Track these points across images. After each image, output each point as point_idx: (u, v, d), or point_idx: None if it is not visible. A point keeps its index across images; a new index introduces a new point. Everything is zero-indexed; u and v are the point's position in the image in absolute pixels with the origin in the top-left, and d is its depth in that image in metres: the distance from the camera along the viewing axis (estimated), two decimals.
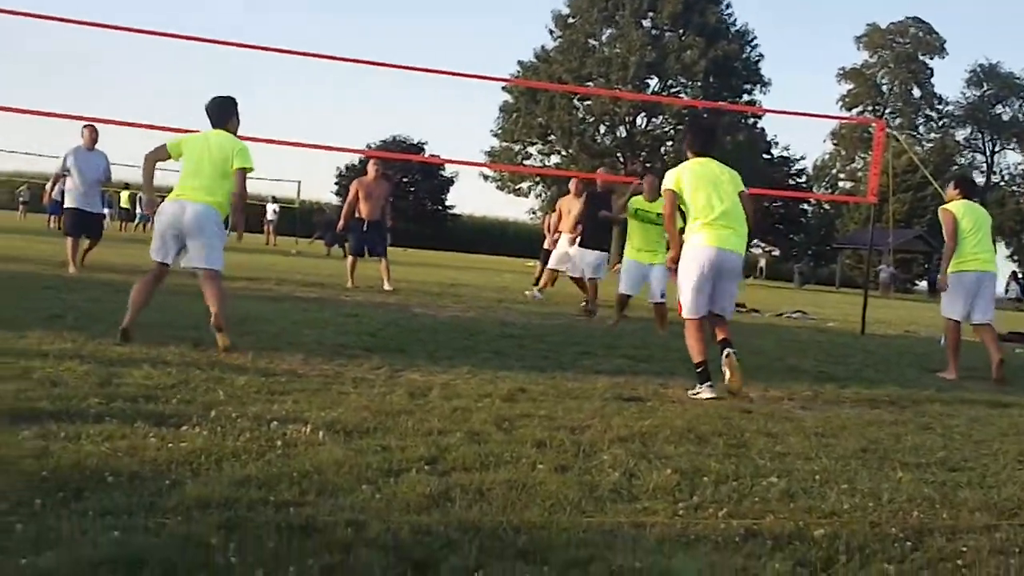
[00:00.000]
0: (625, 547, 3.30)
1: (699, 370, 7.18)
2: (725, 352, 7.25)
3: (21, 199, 46.96)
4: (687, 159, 7.71)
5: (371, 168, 16.34)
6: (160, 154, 7.64)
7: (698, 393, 7.02)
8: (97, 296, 9.83)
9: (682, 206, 7.59)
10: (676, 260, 7.58)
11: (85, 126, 13.86)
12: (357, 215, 15.87)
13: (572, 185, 16.92)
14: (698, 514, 3.81)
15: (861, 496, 4.30)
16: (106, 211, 23.50)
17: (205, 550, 2.93)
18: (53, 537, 2.94)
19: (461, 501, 3.65)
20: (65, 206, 14.15)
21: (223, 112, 7.71)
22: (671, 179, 7.58)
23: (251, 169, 7.63)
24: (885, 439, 5.83)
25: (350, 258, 16.10)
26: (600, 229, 14.04)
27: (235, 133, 7.73)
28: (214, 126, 7.66)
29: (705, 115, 52.38)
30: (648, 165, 61.18)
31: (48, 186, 15.36)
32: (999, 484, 4.80)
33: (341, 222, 16.67)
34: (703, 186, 7.45)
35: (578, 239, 14.58)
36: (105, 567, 2.74)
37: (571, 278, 15.21)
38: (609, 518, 3.63)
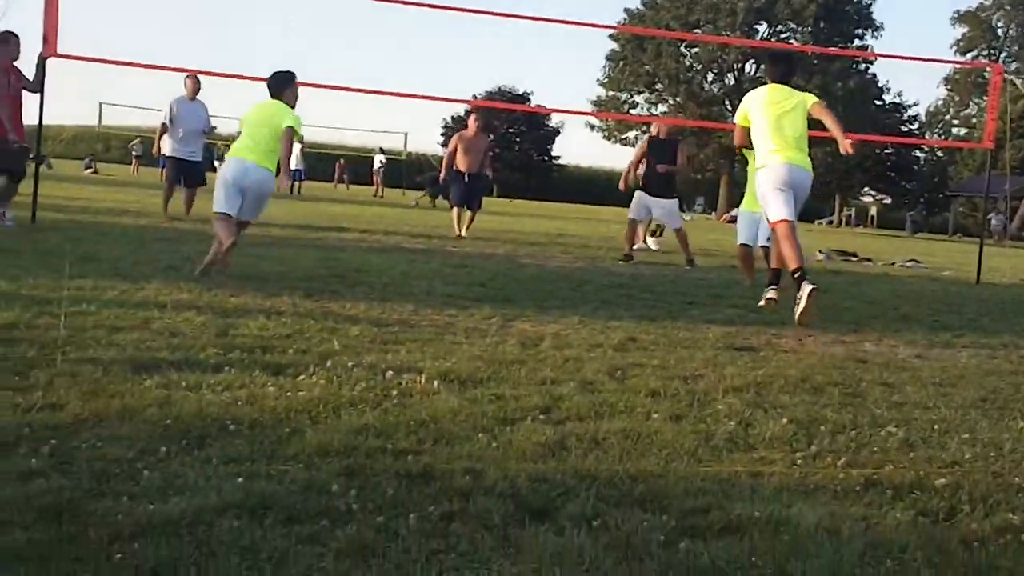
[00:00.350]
0: (743, 496, 3.27)
1: (796, 276, 7.44)
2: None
3: (134, 153, 48.00)
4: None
5: (471, 122, 16.55)
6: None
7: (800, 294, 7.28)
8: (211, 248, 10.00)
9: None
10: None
11: (187, 76, 14.29)
12: (456, 168, 16.12)
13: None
14: (816, 464, 3.76)
15: (982, 446, 4.20)
16: (215, 164, 23.96)
17: (326, 496, 2.97)
18: (179, 484, 3.00)
19: (577, 450, 3.65)
20: (166, 155, 14.72)
21: (280, 84, 8.61)
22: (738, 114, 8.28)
23: (299, 135, 8.72)
24: (1005, 388, 5.69)
25: (455, 209, 16.27)
26: (664, 177, 13.65)
27: (292, 104, 8.58)
28: (273, 97, 8.55)
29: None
30: None
31: (156, 139, 15.59)
32: None
33: (442, 172, 17.09)
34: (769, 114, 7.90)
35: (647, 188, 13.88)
36: (230, 513, 2.79)
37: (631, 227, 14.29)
38: (726, 467, 3.60)
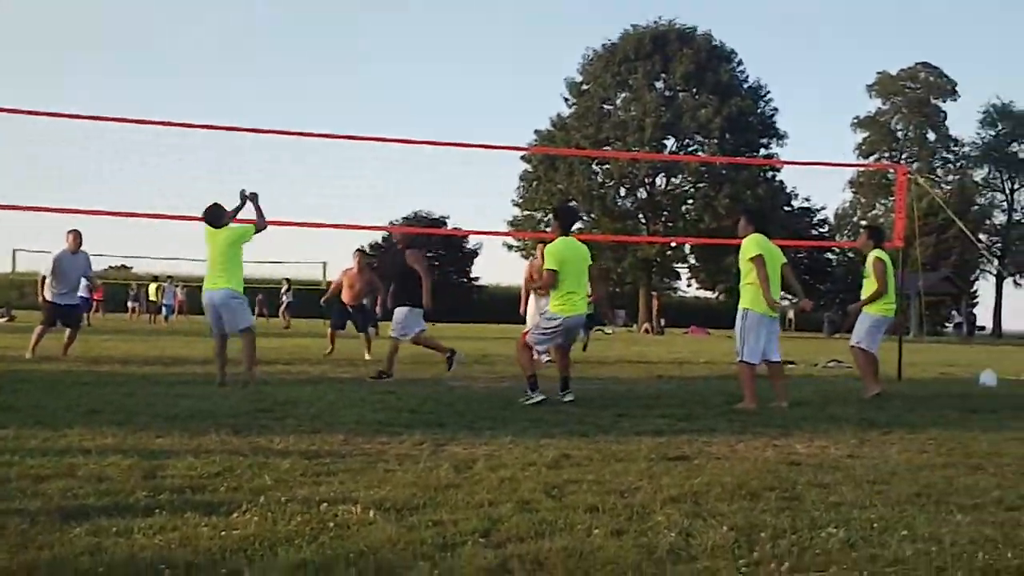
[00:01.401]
0: None
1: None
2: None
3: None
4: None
5: (354, 260, 18.41)
6: None
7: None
8: (132, 390, 9.85)
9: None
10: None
11: (69, 232, 15.35)
12: (340, 298, 18.26)
13: (539, 248, 17.35)
14: (760, 570, 3.75)
15: (923, 541, 4.23)
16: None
17: None
18: None
19: (520, 572, 3.61)
20: (46, 299, 15.40)
21: (215, 217, 10.90)
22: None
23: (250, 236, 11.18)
24: (938, 482, 5.76)
25: (329, 330, 18.49)
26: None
27: (232, 221, 11.02)
28: (216, 227, 10.82)
29: (726, 170, 52.22)
30: (671, 224, 61.32)
31: (39, 287, 15.86)
32: None
33: (325, 296, 19.28)
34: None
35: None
36: None
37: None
38: None
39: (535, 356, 10.65)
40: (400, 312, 13.26)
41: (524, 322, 18.09)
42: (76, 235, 15.39)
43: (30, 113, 13.34)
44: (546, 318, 10.34)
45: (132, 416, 7.76)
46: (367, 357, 17.07)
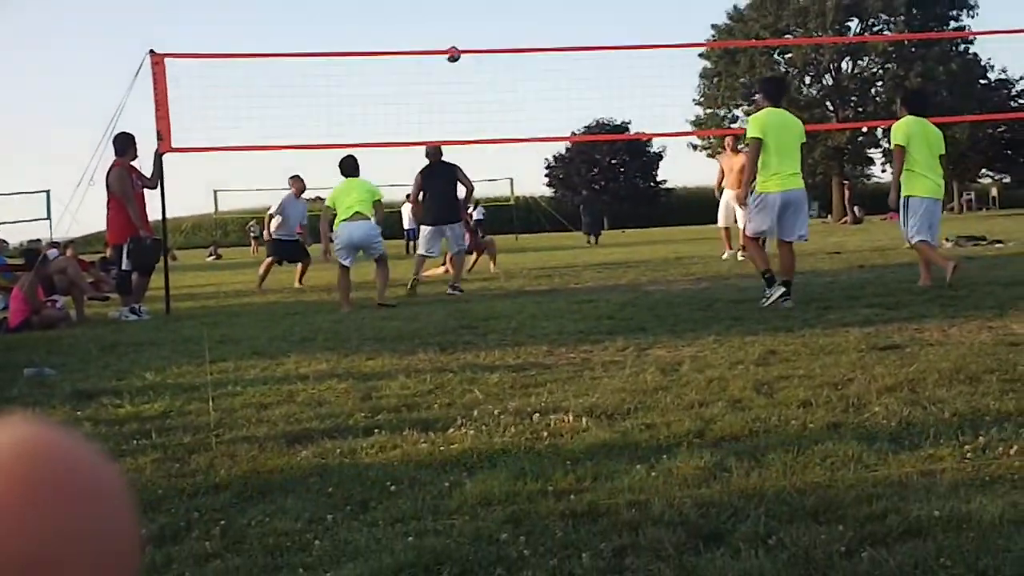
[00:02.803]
0: (918, 496, 3.18)
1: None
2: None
3: (252, 234, 49.01)
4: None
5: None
6: (328, 214, 12.10)
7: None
8: (340, 316, 10.16)
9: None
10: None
11: (291, 177, 16.42)
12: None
13: (728, 142, 17.73)
14: (987, 455, 3.64)
15: None
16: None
17: (496, 546, 2.97)
18: (350, 550, 3.03)
19: (738, 470, 3.58)
20: (271, 236, 16.37)
21: (354, 168, 11.87)
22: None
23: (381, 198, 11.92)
24: None
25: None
26: (446, 203, 13.18)
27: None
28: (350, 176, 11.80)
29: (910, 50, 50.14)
30: (860, 110, 59.28)
31: (266, 223, 16.91)
32: None
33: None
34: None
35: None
36: (405, 572, 2.80)
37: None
38: (895, 469, 3.50)
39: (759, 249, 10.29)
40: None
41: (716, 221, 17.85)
42: (298, 180, 16.44)
43: (222, 56, 13.77)
44: (754, 201, 9.37)
45: (343, 341, 8.01)
46: (493, 269, 17.34)
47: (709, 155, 65.39)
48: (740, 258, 15.56)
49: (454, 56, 13.14)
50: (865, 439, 3.93)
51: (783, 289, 8.94)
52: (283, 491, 3.68)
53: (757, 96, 10.07)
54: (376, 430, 4.62)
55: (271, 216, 16.37)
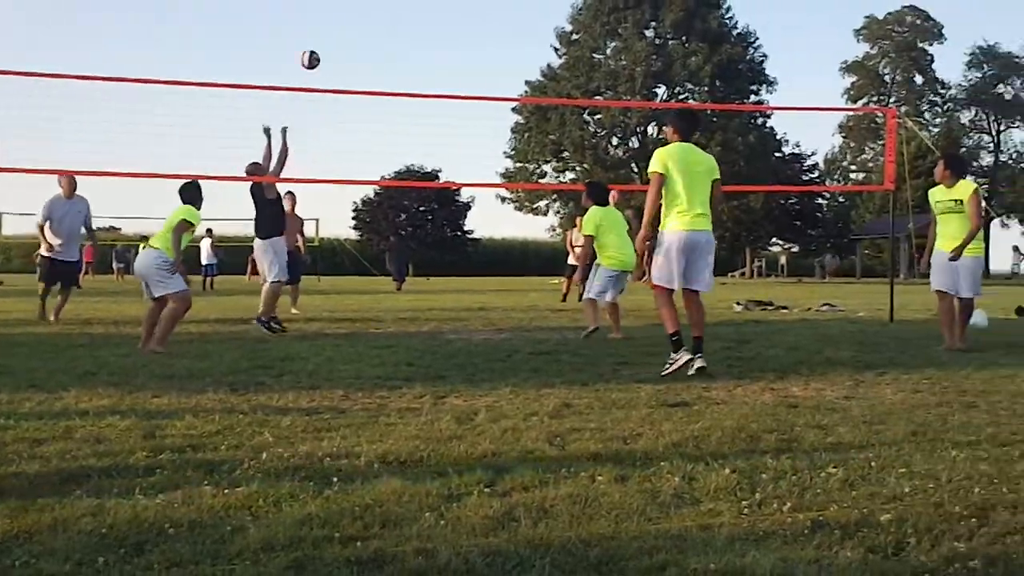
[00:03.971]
0: (696, 550, 3.26)
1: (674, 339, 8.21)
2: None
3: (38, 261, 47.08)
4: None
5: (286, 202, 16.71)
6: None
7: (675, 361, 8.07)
8: (127, 351, 9.82)
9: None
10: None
11: (61, 176, 13.93)
12: None
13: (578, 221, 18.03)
14: (763, 511, 3.76)
15: (920, 478, 4.26)
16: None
17: None
18: None
19: (526, 520, 3.60)
20: (43, 254, 14.22)
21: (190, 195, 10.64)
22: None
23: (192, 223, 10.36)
24: (932, 421, 5.80)
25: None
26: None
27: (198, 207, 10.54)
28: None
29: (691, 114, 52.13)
30: None
31: (41, 237, 14.25)
32: None
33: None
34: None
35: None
36: None
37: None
38: (676, 523, 3.58)
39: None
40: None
41: (522, 272, 18.01)
42: (70, 180, 14.04)
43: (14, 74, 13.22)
44: (659, 243, 8.42)
45: (128, 377, 7.73)
46: (294, 311, 16.66)
47: (516, 207, 66.43)
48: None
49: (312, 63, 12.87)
50: (649, 493, 4.01)
51: (688, 357, 8.06)
52: (53, 531, 3.50)
53: (667, 128, 8.98)
54: (157, 470, 4.45)
55: (40, 226, 14.13)
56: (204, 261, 35.25)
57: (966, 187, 10.47)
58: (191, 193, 10.61)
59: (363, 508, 3.77)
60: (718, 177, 8.49)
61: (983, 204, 10.60)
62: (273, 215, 12.96)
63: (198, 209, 10.48)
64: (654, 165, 8.38)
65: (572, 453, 4.82)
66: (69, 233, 14.16)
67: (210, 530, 3.51)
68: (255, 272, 49.63)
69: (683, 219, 8.23)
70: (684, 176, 8.26)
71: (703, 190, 8.33)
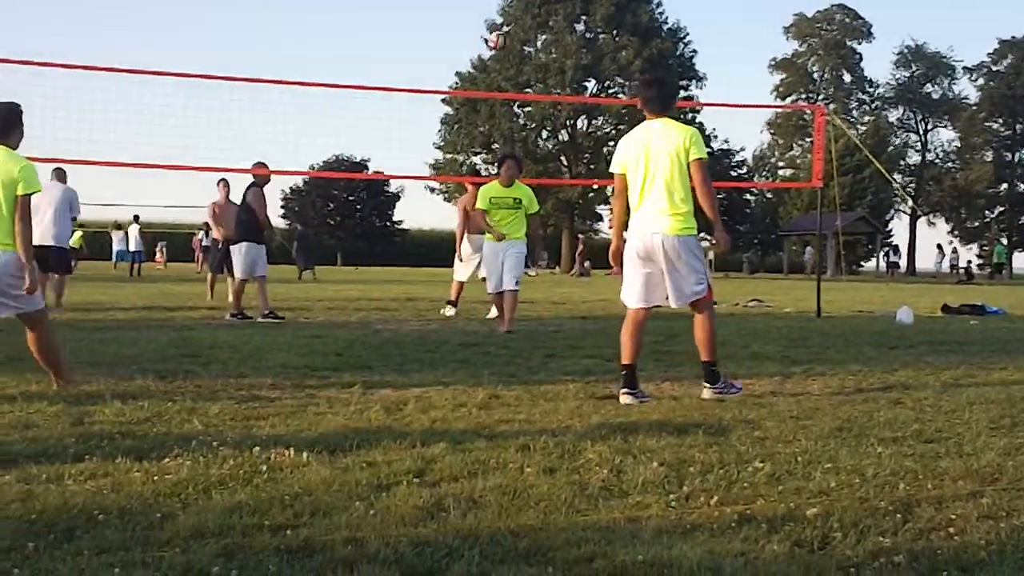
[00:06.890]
0: (624, 542, 3.31)
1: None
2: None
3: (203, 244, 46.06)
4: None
5: (219, 189, 17.04)
6: None
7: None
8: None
9: None
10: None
11: None
12: (214, 238, 17.62)
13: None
14: (690, 504, 3.83)
15: (846, 473, 4.35)
16: None
17: None
18: None
19: (455, 510, 3.64)
20: None
21: (7, 122, 6.50)
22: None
23: (39, 191, 6.55)
24: (859, 416, 5.90)
25: (210, 275, 17.86)
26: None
27: (16, 147, 6.55)
28: None
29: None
30: (592, 167, 61.36)
31: None
32: (976, 452, 4.86)
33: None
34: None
35: None
36: None
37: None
38: (604, 515, 3.64)
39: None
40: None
41: (450, 264, 17.53)
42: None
43: None
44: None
45: None
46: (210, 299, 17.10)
47: (446, 199, 66.24)
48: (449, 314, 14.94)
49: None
50: (578, 485, 4.07)
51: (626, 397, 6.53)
52: None
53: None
54: (87, 456, 4.43)
55: None
56: (132, 248, 34.80)
57: None
58: (13, 121, 6.58)
59: (292, 497, 3.79)
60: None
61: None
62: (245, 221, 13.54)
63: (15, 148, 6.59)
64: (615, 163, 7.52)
65: (501, 444, 4.86)
66: (44, 220, 13.31)
67: (140, 517, 3.51)
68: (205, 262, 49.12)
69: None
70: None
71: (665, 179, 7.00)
